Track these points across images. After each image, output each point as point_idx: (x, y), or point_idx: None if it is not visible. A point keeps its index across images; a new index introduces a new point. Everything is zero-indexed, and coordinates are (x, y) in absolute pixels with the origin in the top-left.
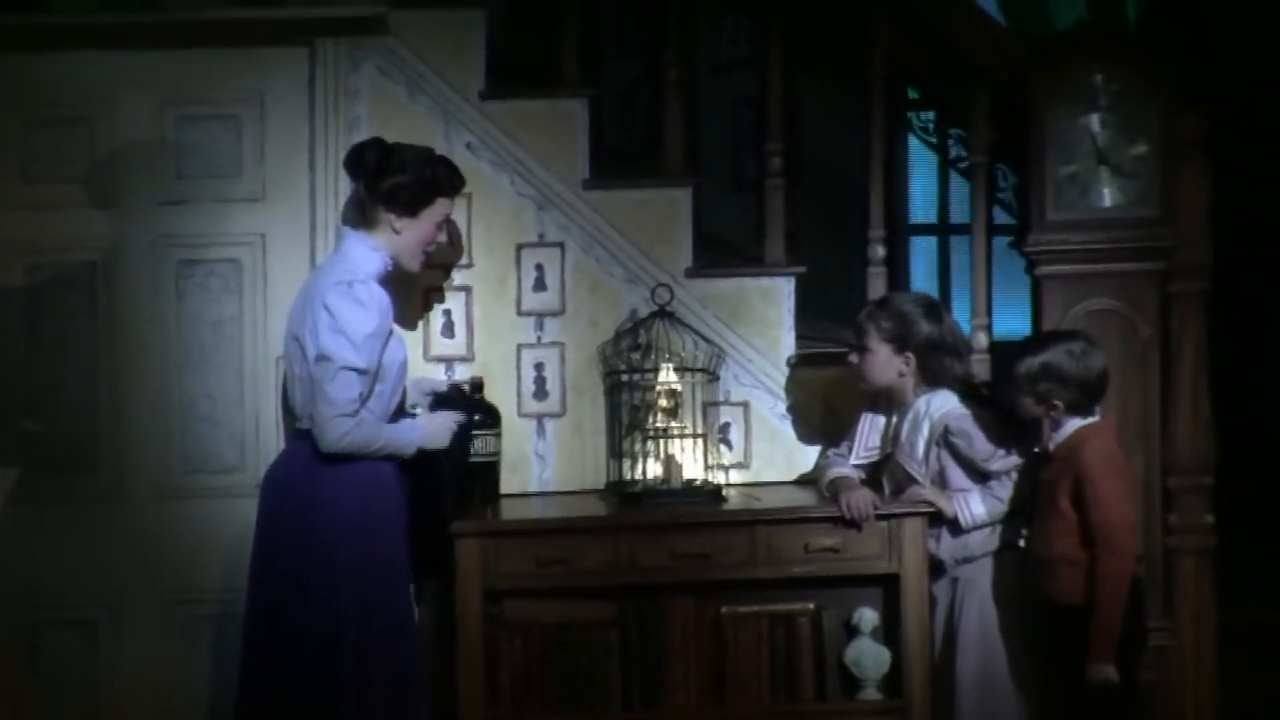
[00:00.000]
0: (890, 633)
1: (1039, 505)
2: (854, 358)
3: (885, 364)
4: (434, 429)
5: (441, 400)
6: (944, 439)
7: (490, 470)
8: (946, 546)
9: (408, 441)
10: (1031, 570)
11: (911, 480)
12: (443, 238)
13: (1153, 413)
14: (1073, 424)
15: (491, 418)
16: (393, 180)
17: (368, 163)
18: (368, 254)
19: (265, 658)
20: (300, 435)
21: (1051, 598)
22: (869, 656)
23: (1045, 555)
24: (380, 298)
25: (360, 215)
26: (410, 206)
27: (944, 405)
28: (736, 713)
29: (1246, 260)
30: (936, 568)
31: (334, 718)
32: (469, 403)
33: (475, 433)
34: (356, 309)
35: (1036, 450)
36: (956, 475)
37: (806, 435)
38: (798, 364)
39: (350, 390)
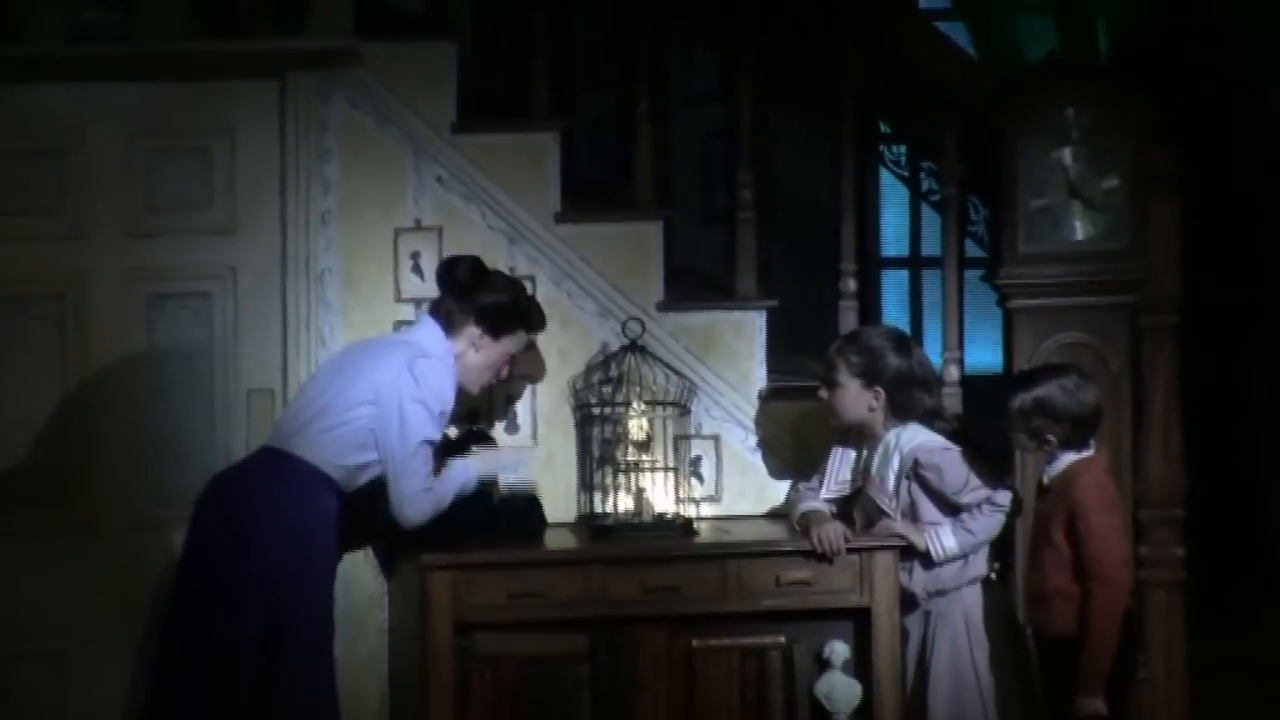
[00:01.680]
0: (862, 666)
1: (1032, 538)
2: (824, 393)
3: (855, 399)
4: (486, 461)
5: (451, 445)
6: (914, 472)
7: (485, 498)
8: (919, 579)
9: (468, 479)
10: (1025, 602)
11: (882, 514)
12: (506, 372)
13: (1124, 445)
14: (1066, 458)
15: (487, 445)
16: (494, 298)
17: (458, 277)
18: (444, 351)
19: (173, 665)
20: (268, 453)
21: (1043, 630)
22: (840, 690)
23: (1038, 588)
24: (453, 374)
25: (446, 319)
26: (498, 328)
27: (914, 438)
28: None
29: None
30: (909, 601)
31: None
32: (482, 437)
33: None
34: (441, 383)
35: (1009, 484)
36: (927, 508)
37: (778, 469)
38: (769, 397)
39: (428, 463)
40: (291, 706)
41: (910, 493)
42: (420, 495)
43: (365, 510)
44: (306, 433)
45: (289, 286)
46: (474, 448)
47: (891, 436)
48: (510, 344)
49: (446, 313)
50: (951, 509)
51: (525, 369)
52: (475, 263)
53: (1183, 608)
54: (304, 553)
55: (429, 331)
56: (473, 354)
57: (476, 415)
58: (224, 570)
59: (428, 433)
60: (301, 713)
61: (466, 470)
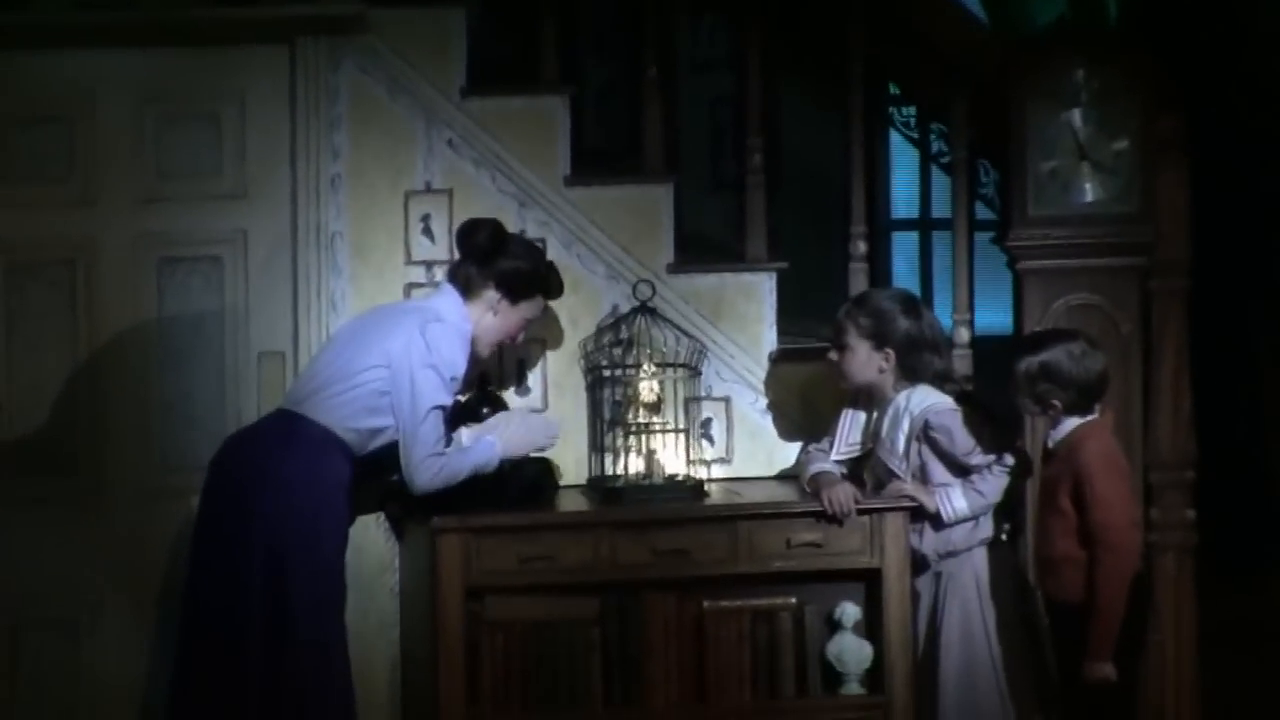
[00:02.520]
0: (872, 628)
1: (1039, 504)
2: (834, 355)
3: (865, 361)
4: (512, 440)
5: (463, 409)
6: (924, 434)
7: (546, 466)
8: (929, 541)
9: (490, 462)
10: (1034, 567)
11: (892, 476)
12: (521, 338)
13: (1134, 408)
14: (1071, 423)
15: (498, 409)
16: (513, 263)
17: (478, 242)
18: (460, 316)
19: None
20: (282, 415)
21: (1052, 596)
22: (851, 652)
23: (1046, 554)
24: (466, 339)
25: (464, 283)
26: (516, 294)
27: (924, 400)
28: (718, 709)
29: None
30: (919, 563)
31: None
32: (493, 401)
33: None
34: (453, 349)
35: (1019, 446)
36: (938, 470)
37: (788, 431)
38: (779, 360)
39: (438, 429)
40: (303, 671)
41: (920, 454)
42: (430, 461)
43: (374, 475)
44: (319, 396)
45: (299, 251)
46: (484, 410)
47: (901, 399)
48: (528, 309)
49: (465, 277)
50: (961, 471)
51: (535, 332)
52: (496, 228)
53: (1192, 571)
54: (312, 517)
55: (447, 298)
56: (490, 318)
57: (487, 378)
58: (233, 534)
59: (438, 398)
60: (313, 678)
61: (490, 450)
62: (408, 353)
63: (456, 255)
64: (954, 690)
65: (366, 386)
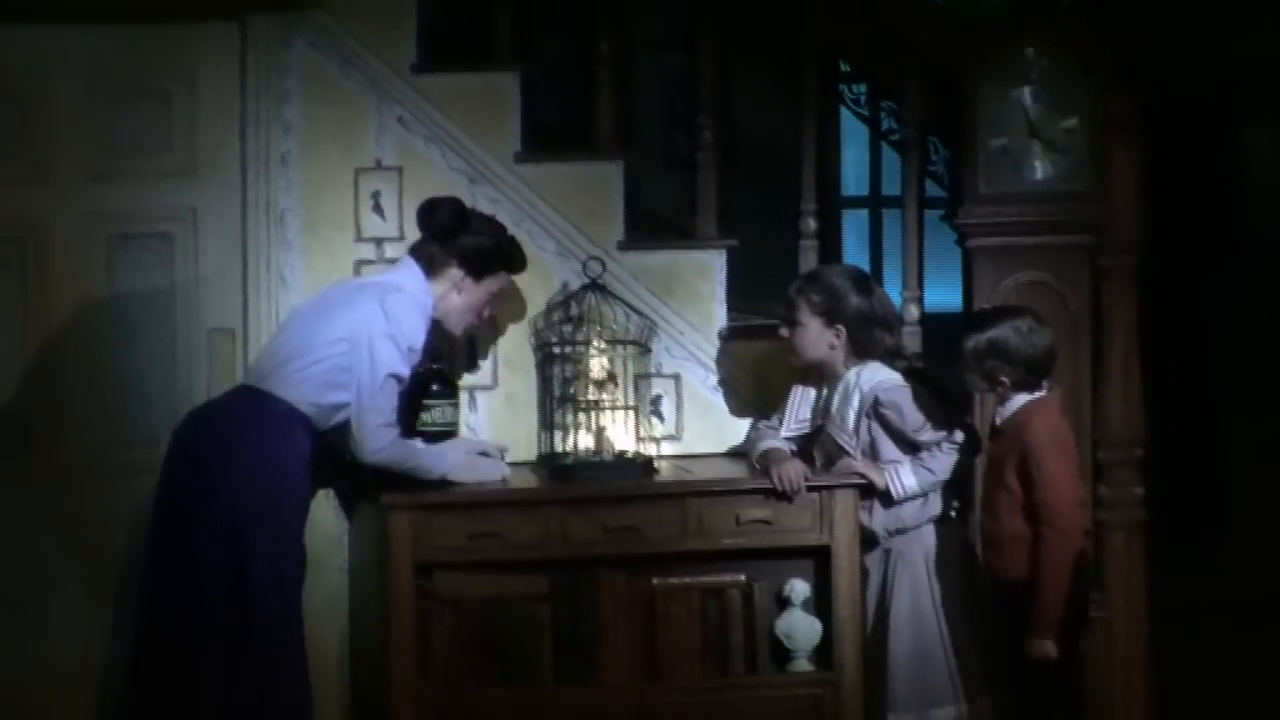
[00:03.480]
0: (822, 605)
1: (985, 481)
2: (785, 332)
3: (816, 337)
4: (460, 462)
5: (414, 381)
6: (874, 411)
7: (448, 439)
8: (879, 518)
9: (432, 469)
10: (980, 545)
11: (843, 452)
12: (488, 313)
13: (1083, 386)
14: (1019, 400)
15: (450, 388)
16: (475, 240)
17: (439, 220)
18: (421, 291)
19: (152, 604)
20: (244, 391)
21: (997, 573)
22: (800, 628)
23: (992, 531)
24: (427, 313)
25: (427, 261)
26: (479, 270)
27: (874, 377)
28: (668, 685)
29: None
30: (869, 540)
31: (201, 682)
32: (443, 379)
33: (433, 403)
34: (412, 319)
35: (968, 423)
36: (887, 447)
37: (738, 408)
38: (730, 337)
39: (393, 399)
40: (264, 645)
41: (870, 431)
42: (383, 431)
43: (325, 451)
44: (282, 371)
45: (250, 227)
46: (434, 388)
47: (852, 375)
48: (492, 285)
49: (428, 255)
50: (911, 448)
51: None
52: (457, 205)
53: (1142, 548)
54: (274, 492)
55: (409, 272)
56: (455, 296)
57: (438, 354)
58: (195, 510)
59: (395, 367)
60: (274, 651)
61: (439, 461)
62: (367, 323)
63: (418, 234)
64: (903, 667)
65: (328, 362)
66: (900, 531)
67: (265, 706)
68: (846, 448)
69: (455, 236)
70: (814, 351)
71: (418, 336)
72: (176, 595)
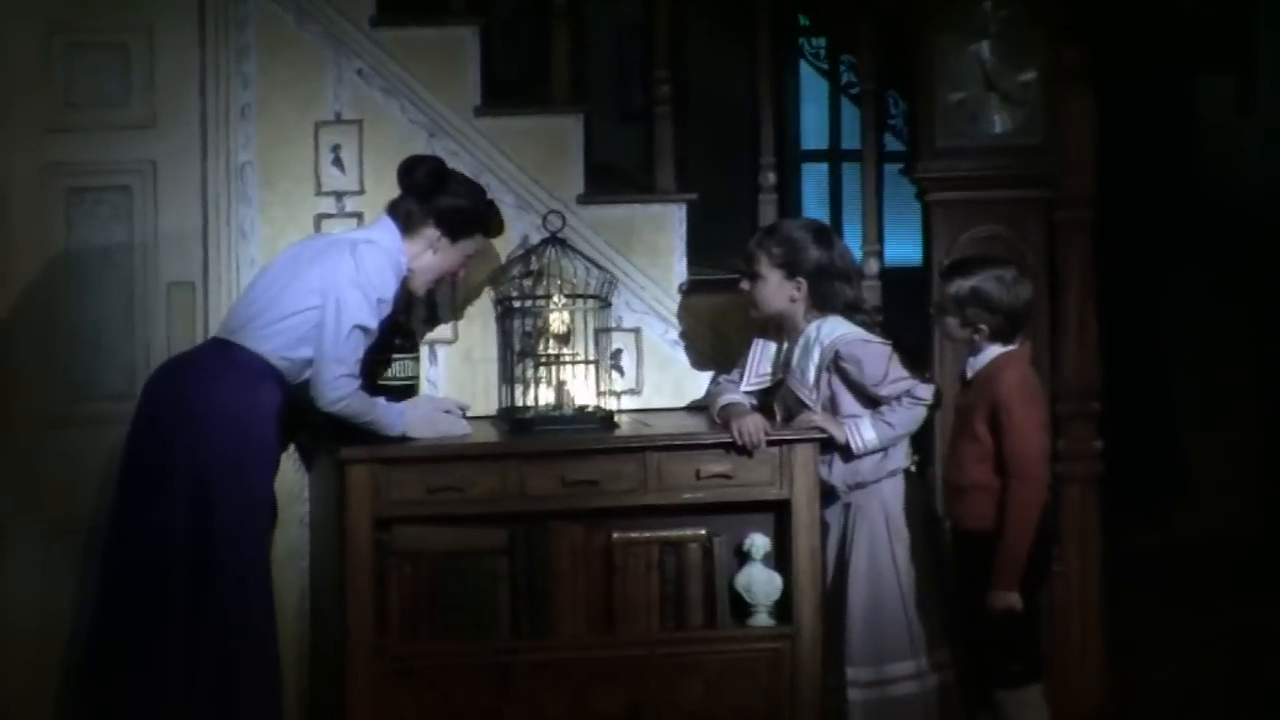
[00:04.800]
0: (781, 559)
1: (953, 430)
2: (745, 284)
3: (776, 290)
4: (419, 419)
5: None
6: (834, 364)
7: (410, 394)
8: (838, 472)
9: (391, 425)
10: (943, 495)
11: (803, 406)
12: (460, 276)
13: (1040, 339)
14: (992, 351)
15: (410, 342)
16: (453, 201)
17: (418, 180)
18: (395, 248)
19: (114, 560)
20: (216, 344)
21: (959, 523)
22: (760, 583)
23: (956, 481)
24: (399, 269)
25: (404, 220)
26: (456, 231)
27: (834, 330)
28: (626, 639)
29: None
30: (828, 494)
31: (165, 636)
32: (404, 334)
33: (394, 357)
34: (382, 270)
35: (928, 377)
36: (847, 401)
37: (698, 362)
38: (689, 291)
39: (357, 350)
40: (225, 601)
41: (830, 385)
42: (344, 381)
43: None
44: (254, 325)
45: (209, 181)
46: (396, 341)
47: (812, 329)
48: (467, 247)
49: (406, 214)
50: (871, 402)
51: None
52: (437, 164)
53: (1098, 501)
54: (240, 444)
55: (384, 227)
56: (430, 256)
57: (399, 307)
58: (160, 461)
59: (361, 318)
60: (236, 605)
61: (397, 418)
62: (336, 273)
63: (379, 188)
64: (860, 621)
65: (300, 316)
66: (859, 486)
67: (230, 660)
68: (806, 401)
69: (434, 196)
70: (774, 304)
71: (388, 289)
72: (140, 548)
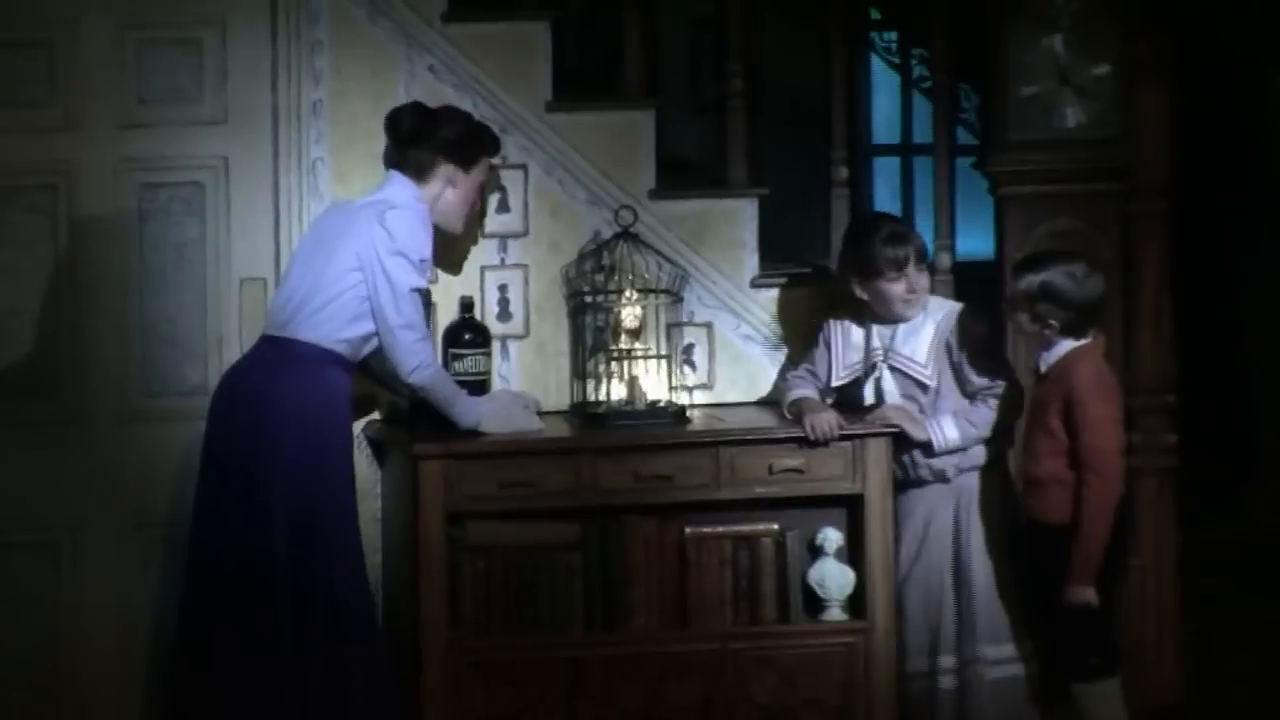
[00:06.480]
0: (854, 553)
1: (1028, 424)
2: (924, 281)
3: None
4: (495, 413)
5: (446, 334)
6: (956, 340)
7: (481, 389)
8: (950, 456)
9: (465, 414)
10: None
11: (921, 388)
12: (477, 205)
13: (1115, 332)
14: (1065, 345)
15: (481, 337)
16: (451, 129)
17: (408, 125)
18: (416, 203)
19: (209, 567)
20: (268, 342)
21: (1036, 516)
22: (833, 577)
23: (1033, 474)
24: (427, 222)
25: (415, 168)
26: (467, 158)
27: (951, 308)
28: (699, 634)
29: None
30: (909, 483)
31: (272, 632)
32: (476, 328)
33: (465, 352)
34: (415, 232)
35: (1015, 378)
36: (948, 388)
37: (769, 356)
38: (760, 285)
39: (420, 311)
40: (333, 584)
41: (954, 358)
42: (421, 345)
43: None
44: (301, 314)
45: (281, 177)
46: (466, 336)
47: (923, 313)
48: (479, 173)
49: (415, 162)
50: (964, 389)
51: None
52: (417, 105)
53: (1173, 495)
54: (320, 434)
55: (396, 184)
56: (450, 192)
57: (471, 305)
58: (247, 468)
59: (413, 281)
60: (341, 587)
61: (474, 409)
62: (373, 245)
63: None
64: (985, 600)
65: (347, 294)
66: (973, 468)
67: (340, 636)
68: (924, 380)
69: (432, 132)
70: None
71: (425, 247)
72: (237, 562)
